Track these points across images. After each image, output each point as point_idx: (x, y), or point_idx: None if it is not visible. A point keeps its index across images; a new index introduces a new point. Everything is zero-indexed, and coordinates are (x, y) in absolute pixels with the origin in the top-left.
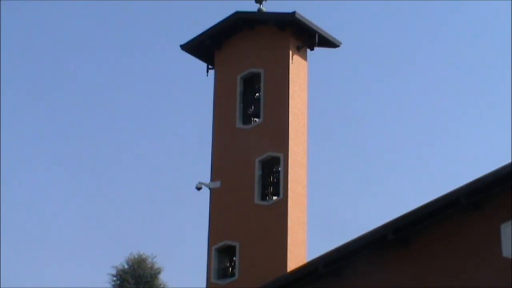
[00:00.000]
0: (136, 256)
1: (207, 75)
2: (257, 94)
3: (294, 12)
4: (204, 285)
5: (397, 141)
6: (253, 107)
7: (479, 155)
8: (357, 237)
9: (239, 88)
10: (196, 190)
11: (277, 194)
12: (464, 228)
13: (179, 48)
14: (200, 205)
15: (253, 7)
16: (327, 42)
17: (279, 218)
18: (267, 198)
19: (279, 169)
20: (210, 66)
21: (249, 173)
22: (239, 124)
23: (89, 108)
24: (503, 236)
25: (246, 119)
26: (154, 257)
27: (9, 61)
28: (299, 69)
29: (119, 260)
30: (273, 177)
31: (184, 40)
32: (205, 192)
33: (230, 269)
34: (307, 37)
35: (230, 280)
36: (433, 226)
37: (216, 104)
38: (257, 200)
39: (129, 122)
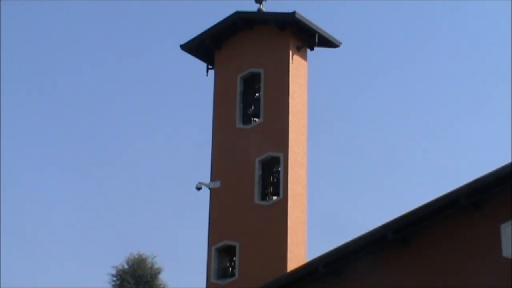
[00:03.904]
0: (136, 256)
1: (207, 75)
2: (257, 94)
3: (294, 12)
4: (204, 285)
5: (397, 141)
6: (253, 107)
7: (479, 155)
8: (357, 237)
9: (239, 88)
10: (196, 190)
11: (277, 194)
12: (464, 228)
13: (179, 48)
14: (200, 205)
15: (253, 7)
16: (327, 42)
17: (279, 218)
18: (267, 198)
19: (279, 169)
20: (210, 66)
21: (249, 173)
22: (239, 124)
23: (89, 108)
24: (503, 236)
25: (246, 119)
26: (154, 257)
27: (9, 61)
28: (299, 69)
29: (119, 260)
30: (273, 177)
31: (184, 40)
32: (205, 192)
33: (230, 269)
34: (307, 37)
35: (230, 280)
36: (433, 226)
37: (216, 104)
38: (257, 200)
39: (129, 122)
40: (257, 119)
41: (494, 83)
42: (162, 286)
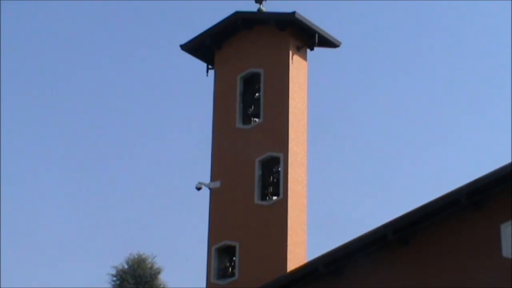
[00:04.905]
0: (136, 256)
1: (207, 75)
2: (257, 94)
3: (294, 12)
4: (204, 285)
5: (397, 141)
6: (253, 107)
7: (479, 155)
8: (357, 237)
9: (239, 88)
10: (196, 190)
11: (277, 194)
12: (464, 228)
13: (179, 48)
14: (200, 205)
15: (253, 7)
16: (327, 42)
17: (279, 218)
18: (267, 198)
19: (279, 169)
20: (210, 66)
21: (249, 173)
22: (239, 124)
23: (89, 108)
24: (503, 236)
25: (246, 119)
26: (154, 257)
27: (9, 61)
28: (299, 69)
29: (119, 260)
30: (273, 177)
31: (184, 40)
32: (205, 192)
33: (230, 269)
34: (307, 37)
35: (230, 280)
36: (433, 226)
37: (216, 104)
38: (257, 200)
39: (129, 122)
40: (257, 119)
41: (494, 83)
42: (162, 286)
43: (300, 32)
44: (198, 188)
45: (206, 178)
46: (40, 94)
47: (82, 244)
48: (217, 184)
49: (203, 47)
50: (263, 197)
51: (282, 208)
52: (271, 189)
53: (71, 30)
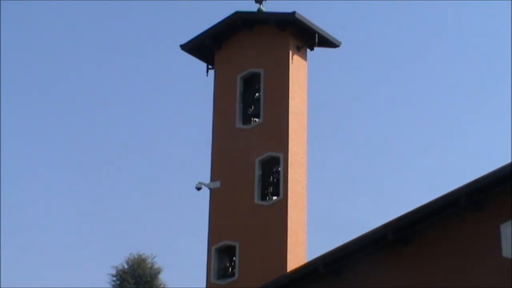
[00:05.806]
0: (136, 256)
1: (207, 75)
2: (257, 94)
3: (294, 12)
4: (204, 285)
5: (397, 141)
6: (253, 107)
7: (479, 155)
8: (357, 237)
9: (239, 88)
10: (196, 190)
11: (277, 194)
12: (464, 228)
13: (179, 48)
14: (200, 205)
15: (253, 7)
16: (327, 42)
17: (279, 218)
18: (267, 198)
19: (279, 169)
20: (210, 66)
21: (249, 173)
22: (239, 124)
23: (89, 108)
24: (503, 236)
25: (246, 119)
26: (154, 257)
27: (9, 61)
28: (299, 69)
29: (119, 260)
30: (273, 177)
31: (184, 40)
32: (205, 192)
33: (230, 269)
34: (307, 37)
35: (230, 280)
36: (433, 226)
37: (216, 104)
38: (257, 200)
39: (129, 122)
40: (257, 119)
41: (494, 83)
42: (162, 286)
43: (300, 32)
44: (198, 188)
45: (206, 178)
46: (40, 94)
47: (82, 244)
48: (217, 184)
49: (203, 47)
50: (263, 197)
51: (282, 208)
52: (271, 189)
53: (72, 30)
